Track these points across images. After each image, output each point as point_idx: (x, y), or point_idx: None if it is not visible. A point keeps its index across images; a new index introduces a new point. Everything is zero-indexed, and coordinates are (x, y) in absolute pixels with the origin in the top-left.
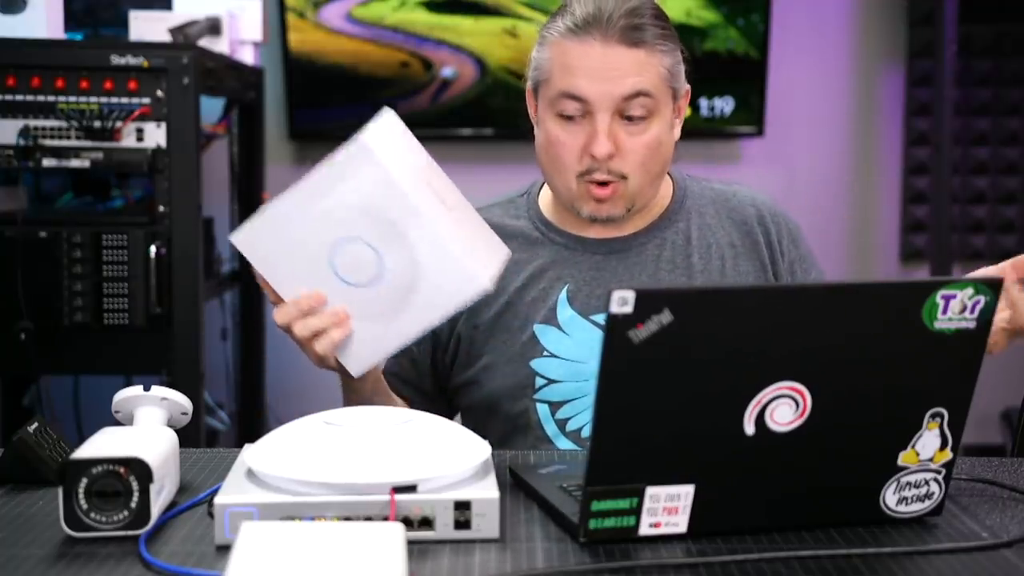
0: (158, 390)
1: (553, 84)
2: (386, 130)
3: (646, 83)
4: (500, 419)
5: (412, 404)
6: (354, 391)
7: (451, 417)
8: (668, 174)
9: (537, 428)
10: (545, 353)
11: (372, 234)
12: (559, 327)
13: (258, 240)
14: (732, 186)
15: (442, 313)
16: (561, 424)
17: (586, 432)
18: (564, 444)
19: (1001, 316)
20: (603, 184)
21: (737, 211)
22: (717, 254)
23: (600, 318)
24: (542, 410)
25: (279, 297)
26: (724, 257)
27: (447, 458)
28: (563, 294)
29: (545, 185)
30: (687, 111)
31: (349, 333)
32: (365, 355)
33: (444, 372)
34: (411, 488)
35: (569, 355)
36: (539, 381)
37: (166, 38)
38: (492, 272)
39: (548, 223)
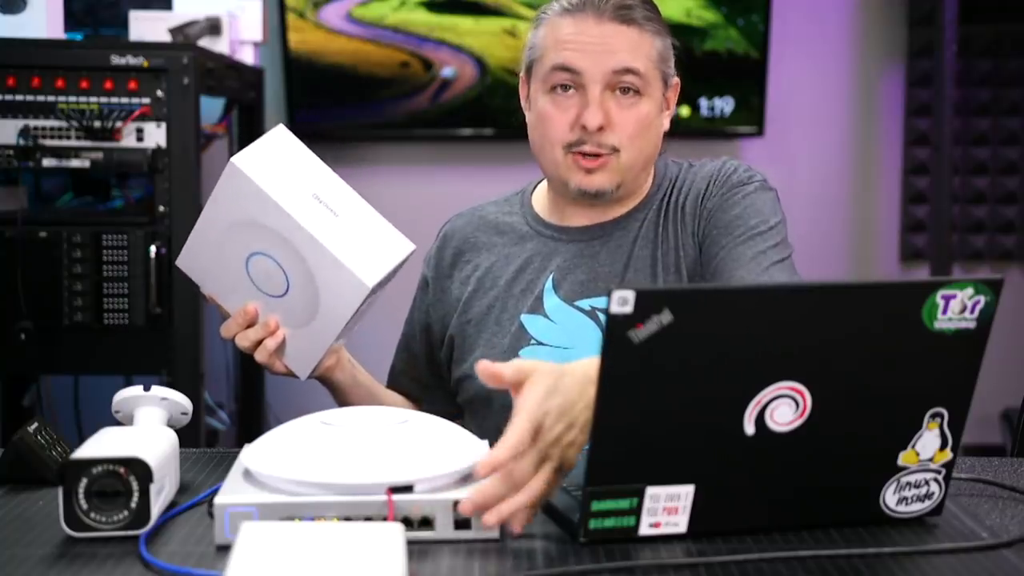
0: (158, 390)
1: (547, 60)
2: (266, 146)
3: (636, 60)
4: (495, 411)
5: (418, 401)
6: (343, 402)
7: (457, 411)
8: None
9: None
10: (533, 342)
11: (268, 247)
12: (545, 315)
13: (193, 261)
14: (704, 164)
15: (345, 314)
16: None
17: None
18: None
19: None
20: (594, 156)
21: (699, 180)
22: (673, 229)
23: (584, 303)
24: None
25: (227, 311)
26: (678, 231)
27: (444, 458)
28: (549, 282)
29: (540, 183)
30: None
31: (281, 341)
32: (303, 359)
33: (444, 368)
34: (407, 488)
35: (556, 342)
36: None
37: (166, 38)
38: (381, 271)
39: (537, 217)
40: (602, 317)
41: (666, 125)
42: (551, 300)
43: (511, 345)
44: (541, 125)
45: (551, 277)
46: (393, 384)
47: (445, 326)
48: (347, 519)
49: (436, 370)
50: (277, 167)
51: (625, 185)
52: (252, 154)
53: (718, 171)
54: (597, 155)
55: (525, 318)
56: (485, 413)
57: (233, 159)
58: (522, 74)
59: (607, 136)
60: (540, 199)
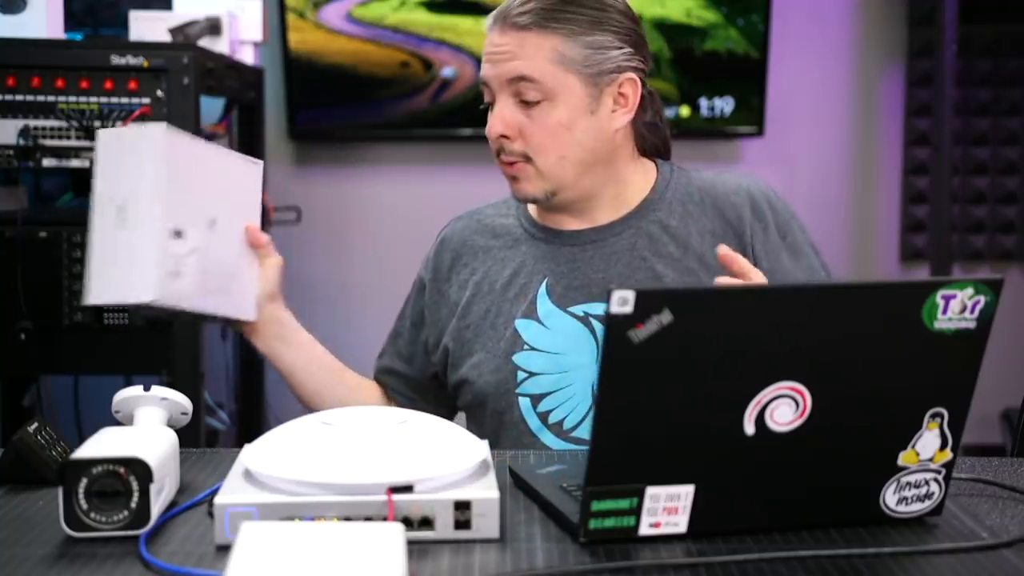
0: (158, 390)
1: None
2: (130, 135)
3: (528, 67)
4: (489, 416)
5: (404, 400)
6: (286, 378)
7: (444, 413)
8: (655, 166)
9: (520, 423)
10: (526, 347)
11: None
12: (539, 320)
13: None
14: (722, 175)
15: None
16: (543, 417)
17: (568, 424)
18: (548, 438)
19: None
20: (510, 163)
21: (720, 200)
22: (696, 242)
23: (577, 309)
24: (524, 404)
25: None
26: (704, 246)
27: (444, 458)
28: (543, 288)
29: None
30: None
31: None
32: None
33: (435, 369)
34: (407, 488)
35: (549, 348)
36: (520, 375)
37: (166, 38)
38: (108, 298)
39: (531, 220)
40: (595, 323)
41: (618, 123)
42: (544, 305)
43: (506, 350)
44: None
45: (545, 282)
46: (379, 382)
47: (441, 330)
48: (347, 519)
49: (424, 370)
50: (118, 160)
51: (564, 190)
52: (116, 135)
53: (756, 201)
54: (511, 162)
55: (519, 323)
56: (482, 418)
57: (99, 131)
58: None
59: (514, 144)
60: None
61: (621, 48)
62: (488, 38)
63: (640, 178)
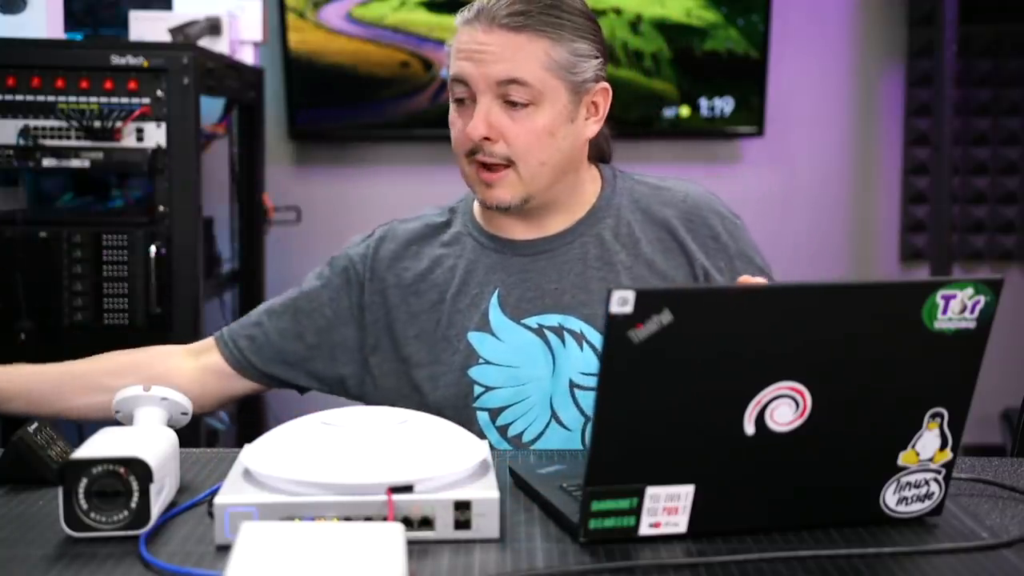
0: (158, 390)
1: (450, 70)
2: None
3: (521, 70)
4: None
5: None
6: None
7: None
8: (599, 171)
9: (479, 436)
10: (481, 361)
11: None
12: (492, 333)
13: None
14: (666, 181)
15: None
16: (502, 431)
17: (527, 437)
18: (506, 450)
19: None
20: (490, 168)
21: (668, 206)
22: (646, 250)
23: (531, 321)
24: (482, 418)
25: None
26: (653, 253)
27: (444, 458)
28: (494, 299)
29: None
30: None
31: None
32: None
33: (335, 372)
34: (408, 488)
35: (504, 361)
36: (477, 389)
37: (166, 38)
38: None
39: (479, 227)
40: (549, 335)
41: (589, 132)
42: (497, 317)
43: (461, 364)
44: (451, 132)
45: (496, 293)
46: (237, 351)
47: (379, 330)
48: (347, 519)
49: (311, 355)
50: None
51: (536, 197)
52: None
53: (703, 210)
54: (493, 168)
55: (473, 336)
56: None
57: None
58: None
59: (497, 147)
60: (480, 208)
61: (597, 57)
62: (468, 35)
63: (589, 185)
